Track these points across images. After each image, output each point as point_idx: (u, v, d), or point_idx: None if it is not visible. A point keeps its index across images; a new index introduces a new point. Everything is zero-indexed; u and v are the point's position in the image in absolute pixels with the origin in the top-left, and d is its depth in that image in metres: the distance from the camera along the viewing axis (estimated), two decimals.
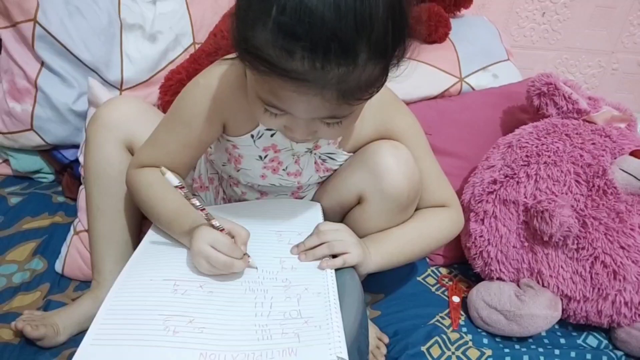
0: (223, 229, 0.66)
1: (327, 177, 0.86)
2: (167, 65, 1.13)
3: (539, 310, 0.84)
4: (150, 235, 0.75)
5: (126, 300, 0.62)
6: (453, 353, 0.82)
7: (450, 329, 0.88)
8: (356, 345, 0.62)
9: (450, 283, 1.00)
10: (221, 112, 0.74)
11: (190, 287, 0.63)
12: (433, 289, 0.98)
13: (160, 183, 0.68)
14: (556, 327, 0.91)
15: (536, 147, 0.94)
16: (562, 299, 0.88)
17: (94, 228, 0.84)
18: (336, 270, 0.69)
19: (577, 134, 0.95)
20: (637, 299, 0.85)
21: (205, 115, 0.73)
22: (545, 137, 0.95)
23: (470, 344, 0.85)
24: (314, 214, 0.81)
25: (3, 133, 1.10)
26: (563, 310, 0.88)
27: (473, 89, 1.19)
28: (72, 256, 0.93)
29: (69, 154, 1.13)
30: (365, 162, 0.77)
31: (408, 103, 0.96)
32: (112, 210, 0.83)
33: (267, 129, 0.75)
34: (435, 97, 1.17)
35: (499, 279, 0.92)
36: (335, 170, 0.83)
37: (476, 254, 0.94)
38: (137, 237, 0.85)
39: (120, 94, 1.10)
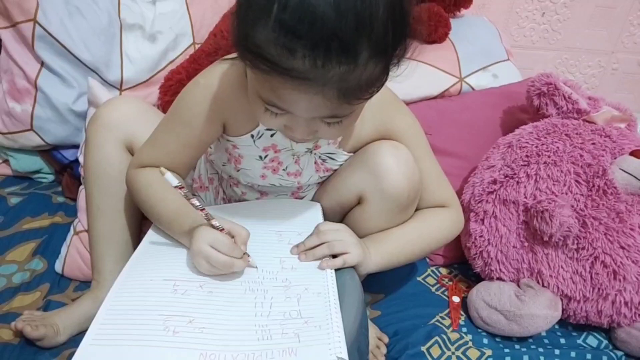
0: (223, 229, 0.66)
1: (327, 177, 0.86)
2: (167, 65, 1.13)
3: (539, 310, 0.84)
4: (150, 235, 0.75)
5: (126, 300, 0.62)
6: (453, 353, 0.82)
7: (450, 329, 0.88)
8: (356, 346, 0.62)
9: (450, 283, 1.00)
10: (221, 112, 0.74)
11: (190, 287, 0.63)
12: (433, 289, 0.98)
13: (160, 183, 0.68)
14: (556, 327, 0.91)
15: (536, 147, 0.94)
16: (562, 299, 0.88)
17: (94, 228, 0.84)
18: (336, 270, 0.69)
19: (577, 134, 0.95)
20: (637, 299, 0.85)
21: (206, 115, 0.73)
22: (545, 137, 0.95)
23: (470, 344, 0.85)
24: (314, 214, 0.81)
25: (3, 133, 1.10)
26: (563, 310, 0.88)
27: (473, 89, 1.19)
28: (72, 256, 0.93)
29: (68, 154, 1.13)
30: (365, 162, 0.77)
31: (408, 103, 0.96)
32: (112, 210, 0.83)
33: (267, 129, 0.75)
34: (435, 97, 1.17)
35: (499, 279, 0.92)
36: (336, 170, 0.83)
37: (476, 254, 0.94)
38: (137, 237, 0.85)
39: (120, 94, 1.10)
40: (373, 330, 0.84)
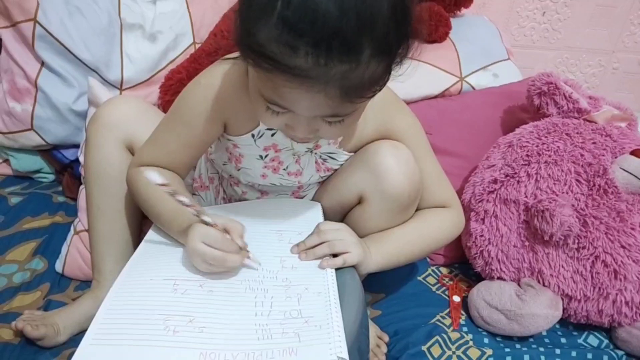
0: (216, 225, 0.65)
1: (327, 177, 0.86)
2: (167, 64, 1.13)
3: (540, 310, 0.84)
4: (151, 235, 0.75)
5: (126, 300, 0.62)
6: (454, 352, 0.82)
7: (451, 328, 0.88)
8: (357, 345, 0.62)
9: (451, 282, 1.00)
10: (222, 111, 0.74)
11: (190, 286, 0.63)
12: (434, 289, 0.98)
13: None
14: (557, 326, 0.91)
15: (537, 146, 0.94)
16: (562, 299, 0.88)
17: (94, 228, 0.84)
18: (336, 269, 0.69)
19: (577, 133, 0.95)
20: (637, 298, 0.85)
21: (207, 115, 0.73)
22: (546, 137, 0.95)
23: (470, 343, 0.84)
24: (315, 214, 0.81)
25: (3, 133, 1.10)
26: (564, 309, 0.88)
27: (473, 88, 1.19)
28: (72, 256, 0.93)
29: (69, 154, 1.13)
30: (365, 162, 0.77)
31: (408, 102, 0.96)
32: (113, 210, 0.83)
33: (268, 129, 0.75)
34: (435, 97, 1.17)
35: (500, 278, 0.92)
36: (336, 169, 0.83)
37: (477, 253, 0.94)
38: (137, 237, 0.85)
39: (121, 93, 1.10)
40: (373, 330, 0.84)
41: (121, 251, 0.84)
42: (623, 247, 0.85)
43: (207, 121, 0.73)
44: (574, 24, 1.56)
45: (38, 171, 1.17)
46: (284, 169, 0.81)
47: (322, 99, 0.56)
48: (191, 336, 0.56)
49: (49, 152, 1.14)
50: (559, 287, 0.88)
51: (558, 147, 0.93)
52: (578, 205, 0.88)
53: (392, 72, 0.59)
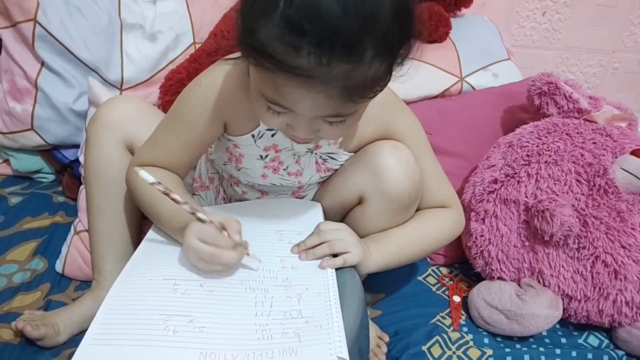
0: (211, 222, 0.65)
1: (328, 177, 0.86)
2: (167, 65, 1.13)
3: (540, 310, 0.84)
4: (151, 235, 0.75)
5: (126, 300, 0.61)
6: (454, 353, 0.82)
7: (451, 328, 0.88)
8: (357, 345, 0.62)
9: (451, 282, 1.00)
10: (223, 112, 0.73)
11: (190, 286, 0.63)
12: (434, 289, 0.98)
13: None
14: (557, 326, 0.91)
15: (537, 146, 0.94)
16: (563, 299, 0.88)
17: (95, 228, 0.84)
18: (337, 270, 0.69)
19: (577, 133, 0.95)
20: (638, 298, 0.85)
21: (207, 115, 0.73)
22: (546, 137, 0.95)
23: (471, 343, 0.84)
24: (315, 214, 0.81)
25: (3, 133, 1.10)
26: (564, 309, 0.88)
27: (473, 88, 1.19)
28: (72, 256, 0.93)
29: (69, 154, 1.13)
30: (366, 162, 0.77)
31: (408, 103, 0.96)
32: (113, 210, 0.83)
33: (268, 129, 0.74)
34: (435, 97, 1.17)
35: (500, 278, 0.92)
36: (336, 170, 0.83)
37: (477, 253, 0.94)
38: (137, 237, 0.85)
39: (121, 93, 1.10)
40: (374, 330, 0.84)
41: (121, 251, 0.84)
42: (623, 247, 0.85)
43: (208, 121, 0.73)
44: (574, 24, 1.56)
45: (38, 171, 1.17)
46: (284, 169, 0.81)
47: (324, 98, 0.56)
48: (191, 336, 0.56)
49: (49, 152, 1.14)
50: (559, 287, 0.88)
51: (558, 147, 0.93)
52: (578, 205, 0.88)
53: (394, 73, 0.59)
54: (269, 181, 0.83)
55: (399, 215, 0.79)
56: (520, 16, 1.52)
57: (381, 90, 0.60)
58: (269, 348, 0.55)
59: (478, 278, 0.96)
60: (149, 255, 0.71)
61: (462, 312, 0.92)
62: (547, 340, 0.88)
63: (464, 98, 1.17)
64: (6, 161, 1.16)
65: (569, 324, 0.92)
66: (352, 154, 0.80)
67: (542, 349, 0.85)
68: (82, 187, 0.99)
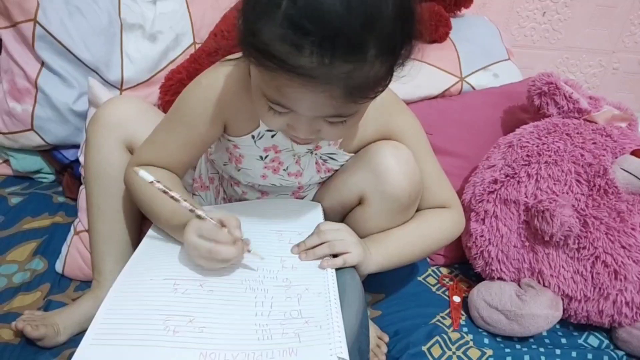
0: (210, 218, 0.64)
1: (328, 177, 0.86)
2: (167, 65, 1.13)
3: (540, 310, 0.84)
4: (151, 235, 0.75)
5: (126, 300, 0.61)
6: (454, 353, 0.82)
7: (451, 328, 0.88)
8: (357, 345, 0.62)
9: (451, 283, 1.00)
10: (223, 112, 0.73)
11: (191, 286, 0.63)
12: (434, 289, 0.98)
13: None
14: (557, 326, 0.91)
15: (537, 146, 0.94)
16: (563, 299, 0.88)
17: (94, 228, 0.84)
18: (337, 270, 0.69)
19: (577, 133, 0.95)
20: (638, 298, 0.85)
21: (207, 115, 0.73)
22: (546, 137, 0.95)
23: (471, 343, 0.84)
24: (315, 214, 0.81)
25: (3, 133, 1.10)
26: (564, 310, 0.88)
27: (474, 88, 1.19)
28: (72, 256, 0.93)
29: (69, 154, 1.13)
30: (366, 162, 0.77)
31: (409, 103, 0.96)
32: (113, 210, 0.83)
33: (268, 130, 0.74)
34: (435, 97, 1.17)
35: (500, 278, 0.92)
36: (337, 170, 0.83)
37: (477, 253, 0.94)
38: (137, 237, 0.85)
39: (121, 93, 1.10)
40: (374, 330, 0.84)
41: (121, 251, 0.84)
42: (623, 247, 0.85)
43: (208, 122, 0.73)
44: (574, 24, 1.56)
45: (38, 171, 1.16)
46: (284, 170, 0.81)
47: (326, 98, 0.56)
48: (191, 336, 0.56)
49: (49, 152, 1.14)
50: (559, 287, 0.88)
51: (558, 147, 0.93)
52: (578, 205, 0.88)
53: (395, 73, 0.59)
54: (269, 182, 0.83)
55: (399, 215, 0.79)
56: (520, 16, 1.52)
57: (382, 91, 0.60)
58: (269, 348, 0.55)
59: (478, 278, 0.96)
60: (148, 255, 0.71)
61: (462, 313, 0.92)
62: (547, 341, 0.88)
63: (464, 98, 1.17)
64: (6, 161, 1.16)
65: (569, 324, 0.92)
66: (353, 154, 0.80)
67: (542, 349, 0.85)
68: (82, 187, 0.99)
